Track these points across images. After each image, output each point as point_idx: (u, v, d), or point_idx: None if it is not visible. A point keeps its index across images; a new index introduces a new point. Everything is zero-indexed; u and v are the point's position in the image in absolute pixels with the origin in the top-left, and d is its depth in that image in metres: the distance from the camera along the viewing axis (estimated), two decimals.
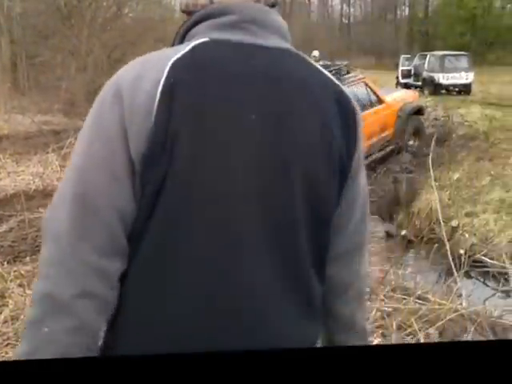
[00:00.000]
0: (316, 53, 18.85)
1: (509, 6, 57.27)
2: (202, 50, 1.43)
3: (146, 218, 1.36)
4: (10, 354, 4.35)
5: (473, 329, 4.68)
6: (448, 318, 4.75)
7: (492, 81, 31.98)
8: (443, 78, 29.21)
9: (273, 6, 1.60)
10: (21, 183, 11.16)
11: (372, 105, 13.00)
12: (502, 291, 6.24)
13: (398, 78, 32.47)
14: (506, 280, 6.18)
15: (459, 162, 12.79)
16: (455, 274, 5.95)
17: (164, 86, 1.34)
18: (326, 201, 1.54)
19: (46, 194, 9.64)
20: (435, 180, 9.61)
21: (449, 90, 29.14)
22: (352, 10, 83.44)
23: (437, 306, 5.04)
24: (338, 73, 12.09)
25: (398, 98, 14.68)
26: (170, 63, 1.37)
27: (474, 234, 8.65)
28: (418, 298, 5.33)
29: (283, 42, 1.56)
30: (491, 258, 7.33)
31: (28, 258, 6.76)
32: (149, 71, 1.38)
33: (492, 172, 11.80)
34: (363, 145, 1.65)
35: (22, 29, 27.17)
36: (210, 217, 1.37)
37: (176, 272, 1.37)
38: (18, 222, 8.13)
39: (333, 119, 1.52)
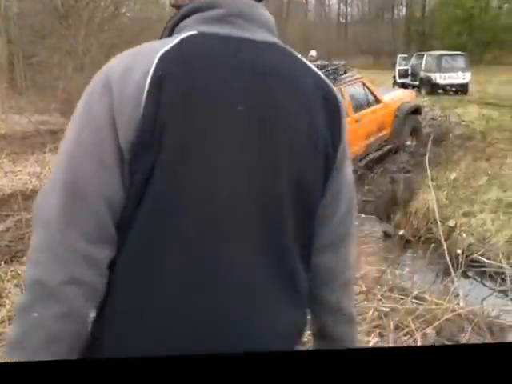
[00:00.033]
0: (313, 52, 18.81)
1: (506, 5, 57.33)
2: (189, 43, 1.46)
3: (135, 207, 1.38)
4: None
5: (470, 329, 4.68)
6: (445, 317, 4.75)
7: (489, 81, 32.00)
8: (440, 78, 29.25)
9: (260, 0, 1.62)
10: (18, 183, 11.18)
11: (369, 104, 13.02)
12: (500, 291, 6.24)
13: (395, 77, 32.48)
14: (503, 280, 6.18)
15: (456, 162, 12.80)
16: (452, 273, 5.95)
17: (152, 77, 1.36)
18: (312, 191, 1.57)
19: None
20: (432, 180, 9.61)
21: (446, 89, 29.12)
22: (349, 9, 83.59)
23: (434, 306, 5.04)
24: (335, 72, 12.09)
25: (396, 97, 14.70)
26: (158, 55, 1.40)
27: (472, 234, 8.66)
28: (416, 298, 5.33)
29: (270, 35, 1.59)
30: (488, 258, 7.34)
31: (25, 258, 6.74)
32: (138, 63, 1.40)
33: (489, 172, 11.81)
34: (347, 135, 1.68)
35: (19, 28, 27.17)
36: (198, 205, 1.40)
37: (163, 261, 1.39)
38: (15, 221, 8.13)
39: (318, 111, 1.56)
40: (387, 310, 5.05)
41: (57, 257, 1.33)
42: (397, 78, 32.22)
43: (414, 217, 10.08)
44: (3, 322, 4.82)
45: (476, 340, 4.56)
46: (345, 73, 12.50)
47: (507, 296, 5.84)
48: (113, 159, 1.37)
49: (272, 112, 1.48)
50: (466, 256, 6.59)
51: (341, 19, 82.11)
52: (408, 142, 14.25)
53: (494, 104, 22.94)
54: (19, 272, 6.05)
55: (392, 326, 4.59)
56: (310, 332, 1.89)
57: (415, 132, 14.55)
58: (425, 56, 31.22)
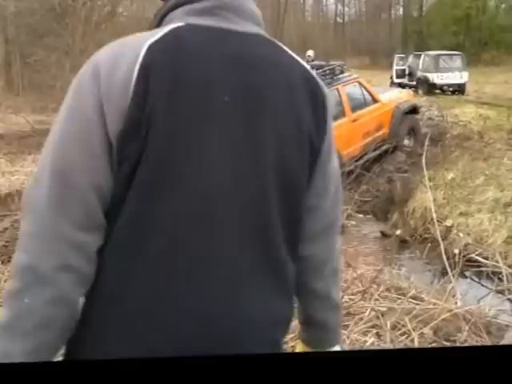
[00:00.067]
0: (310, 52, 18.84)
1: (503, 5, 57.37)
2: (177, 34, 1.48)
3: (123, 194, 1.39)
4: None
5: (467, 328, 4.68)
6: (442, 317, 4.75)
7: (486, 81, 32.06)
8: (437, 78, 29.24)
9: None
10: (15, 183, 11.15)
11: (367, 104, 13.03)
12: (497, 291, 6.25)
13: (392, 77, 32.48)
14: (501, 280, 6.19)
15: (453, 162, 12.81)
16: (450, 273, 5.96)
17: (140, 66, 1.38)
18: (297, 182, 1.60)
19: None
20: (430, 180, 9.65)
21: (443, 89, 29.16)
22: (346, 9, 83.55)
23: (431, 306, 5.05)
24: (332, 73, 12.11)
25: (393, 97, 14.70)
26: (146, 45, 1.42)
27: (469, 234, 8.66)
28: (413, 298, 5.34)
29: (257, 28, 1.61)
30: (486, 258, 7.34)
31: None
32: (126, 53, 1.42)
33: (486, 172, 11.82)
34: (333, 127, 1.75)
35: (15, 28, 27.11)
36: (183, 194, 1.42)
37: (149, 248, 1.41)
38: (11, 221, 8.11)
39: (304, 103, 1.59)
40: (384, 309, 5.05)
41: (47, 243, 1.35)
42: (394, 78, 32.20)
43: (412, 217, 10.10)
44: None
45: (473, 340, 4.57)
46: (342, 73, 12.51)
47: (504, 296, 5.85)
48: (101, 147, 1.39)
49: (258, 103, 1.51)
50: (463, 256, 6.60)
51: (338, 19, 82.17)
52: (406, 142, 14.26)
53: (491, 104, 22.95)
54: None
55: (389, 326, 4.59)
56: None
57: (413, 131, 14.57)
58: (422, 56, 31.20)
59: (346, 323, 4.81)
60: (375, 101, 13.33)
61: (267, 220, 1.53)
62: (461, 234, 8.63)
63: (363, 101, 13.00)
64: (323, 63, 14.44)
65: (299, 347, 1.99)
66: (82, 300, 1.41)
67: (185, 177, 1.42)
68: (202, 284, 1.44)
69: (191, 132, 1.41)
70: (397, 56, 33.96)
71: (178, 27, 1.49)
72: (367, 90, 13.23)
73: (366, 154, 12.60)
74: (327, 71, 12.10)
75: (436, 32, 57.24)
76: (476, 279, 7.48)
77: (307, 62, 16.60)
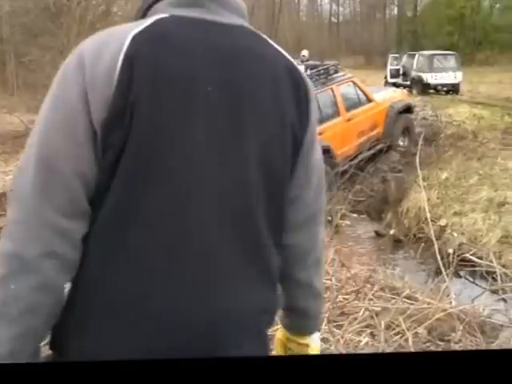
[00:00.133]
0: (305, 52, 18.85)
1: (497, 5, 57.42)
2: (161, 25, 1.50)
3: (107, 183, 1.41)
4: None
5: (461, 328, 4.69)
6: (436, 317, 4.76)
7: (480, 80, 32.09)
8: (431, 78, 29.27)
9: None
10: (9, 183, 11.13)
11: (361, 104, 13.04)
12: (491, 291, 6.25)
13: (386, 77, 32.48)
14: (494, 279, 6.20)
15: (447, 162, 12.82)
16: (444, 273, 5.97)
17: (125, 56, 1.40)
18: (280, 172, 1.62)
19: None
20: (424, 179, 9.66)
21: (437, 89, 29.18)
22: (341, 9, 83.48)
23: (425, 306, 5.05)
24: (326, 72, 12.12)
25: (387, 96, 14.71)
26: (130, 36, 1.43)
27: (463, 234, 8.67)
28: (407, 298, 5.34)
29: (242, 20, 1.63)
30: (480, 258, 7.35)
31: None
32: (111, 43, 1.44)
33: (480, 171, 11.84)
34: (317, 118, 1.76)
35: (10, 27, 27.05)
36: (168, 183, 1.43)
37: (131, 237, 1.43)
38: (6, 221, 8.10)
39: (287, 95, 1.61)
40: (378, 309, 5.06)
41: (31, 230, 1.37)
42: (388, 77, 32.21)
43: (406, 216, 10.10)
44: None
45: (467, 339, 4.57)
46: (336, 72, 12.52)
47: (498, 295, 5.86)
48: (85, 135, 1.40)
49: (242, 96, 1.52)
50: (458, 255, 6.61)
51: (333, 19, 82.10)
52: (400, 142, 14.28)
53: (485, 104, 23.00)
54: None
55: (383, 326, 4.60)
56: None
57: (407, 131, 14.59)
58: (416, 56, 31.22)
59: (340, 323, 4.83)
60: (369, 100, 13.34)
61: (250, 212, 1.55)
62: (455, 234, 8.64)
63: (357, 100, 13.02)
64: (318, 63, 14.47)
65: (280, 332, 2.02)
66: (67, 286, 1.43)
67: (168, 167, 1.43)
68: (185, 274, 1.46)
69: (175, 123, 1.43)
70: (391, 56, 33.96)
71: (162, 18, 1.51)
72: (361, 90, 13.25)
73: (360, 153, 12.61)
74: (321, 71, 12.11)
75: (430, 32, 57.26)
76: (470, 279, 7.49)
77: (302, 61, 16.63)
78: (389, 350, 4.31)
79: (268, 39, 1.67)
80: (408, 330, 4.59)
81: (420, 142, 10.31)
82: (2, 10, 25.61)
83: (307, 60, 17.50)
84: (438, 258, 6.37)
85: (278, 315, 1.87)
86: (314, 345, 1.97)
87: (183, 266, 1.45)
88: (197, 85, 1.46)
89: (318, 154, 1.77)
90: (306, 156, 1.69)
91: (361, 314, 4.97)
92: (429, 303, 5.14)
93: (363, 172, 11.97)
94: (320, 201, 1.82)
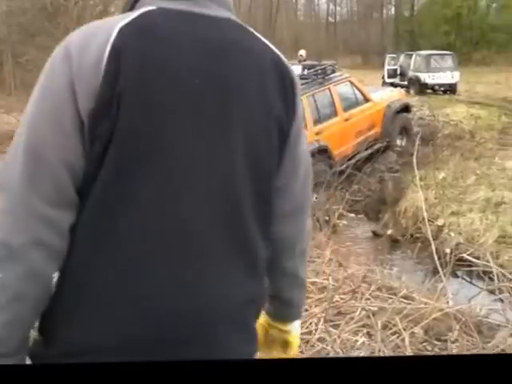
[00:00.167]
0: (302, 52, 18.84)
1: (494, 5, 57.44)
2: (148, 17, 1.50)
3: (95, 173, 1.42)
4: None
5: (458, 328, 4.69)
6: (433, 316, 4.76)
7: (477, 80, 32.11)
8: (429, 78, 29.23)
9: None
10: None
11: (359, 103, 13.04)
12: (488, 290, 6.26)
13: (383, 77, 32.48)
14: (491, 279, 6.20)
15: (445, 162, 12.83)
16: (441, 272, 5.97)
17: (112, 48, 1.41)
18: (267, 164, 1.64)
19: None
20: (421, 179, 9.65)
21: (434, 89, 29.17)
22: (338, 8, 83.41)
23: (422, 306, 5.06)
24: (323, 72, 12.12)
25: (385, 96, 14.71)
26: (117, 28, 1.45)
27: (460, 234, 8.67)
28: (404, 298, 5.35)
29: (229, 13, 1.64)
30: (477, 257, 7.35)
31: None
32: (98, 35, 1.45)
33: (477, 171, 11.86)
34: (302, 110, 1.78)
35: (7, 27, 27.04)
36: (153, 174, 1.45)
37: (119, 226, 1.44)
38: None
39: (273, 87, 1.63)
40: (375, 309, 5.06)
41: (18, 219, 1.38)
42: (386, 77, 32.19)
43: (403, 216, 10.10)
44: None
45: (464, 339, 4.58)
46: (333, 72, 12.52)
47: (495, 295, 5.86)
48: (72, 125, 1.41)
49: (229, 87, 1.54)
50: (455, 255, 6.61)
51: (330, 18, 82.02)
52: (398, 141, 14.28)
53: (482, 104, 22.99)
54: None
55: (380, 326, 4.60)
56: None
57: (405, 130, 14.59)
58: (413, 56, 31.17)
59: (337, 323, 4.83)
60: (367, 100, 13.34)
61: (238, 202, 1.56)
62: (452, 234, 8.65)
63: (355, 100, 13.02)
64: (315, 63, 14.46)
65: (262, 318, 2.03)
66: (55, 274, 1.44)
67: (155, 158, 1.44)
68: (173, 263, 1.47)
69: (162, 114, 1.45)
70: (388, 56, 33.93)
71: (150, 11, 1.52)
72: (359, 89, 13.25)
73: (358, 152, 12.61)
74: (319, 71, 12.11)
75: (427, 32, 57.22)
76: (467, 279, 7.50)
77: (299, 61, 16.61)
78: (385, 349, 4.31)
79: (254, 32, 1.69)
80: (405, 329, 4.60)
81: (417, 142, 10.32)
82: None
83: (305, 60, 17.48)
84: (435, 257, 6.37)
85: None
86: (294, 332, 2.03)
87: (171, 255, 1.47)
88: (184, 77, 1.48)
89: (304, 145, 1.80)
90: (293, 148, 1.71)
91: (357, 313, 4.97)
92: (426, 303, 5.14)
93: (361, 172, 11.98)
94: (307, 192, 1.85)
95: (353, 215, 10.90)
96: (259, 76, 1.60)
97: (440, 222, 9.12)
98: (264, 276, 1.72)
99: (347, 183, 11.21)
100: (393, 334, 4.63)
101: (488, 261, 6.36)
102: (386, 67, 32.69)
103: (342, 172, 11.07)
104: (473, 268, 7.20)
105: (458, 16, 53.82)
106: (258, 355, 1.79)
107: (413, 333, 4.64)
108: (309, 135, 10.62)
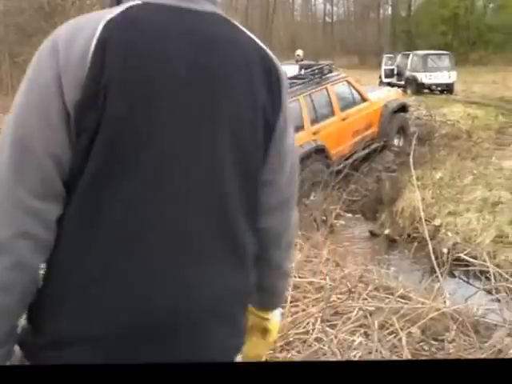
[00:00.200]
0: (300, 52, 18.86)
1: (491, 5, 57.49)
2: (134, 11, 1.52)
3: (81, 166, 1.43)
4: None
5: (455, 327, 4.70)
6: (430, 316, 4.76)
7: (474, 80, 32.15)
8: (426, 78, 29.25)
9: None
10: None
11: (356, 103, 13.04)
12: (485, 290, 6.26)
13: (380, 77, 32.49)
14: (488, 279, 6.21)
15: (442, 161, 12.83)
16: (438, 272, 5.97)
17: (98, 40, 1.43)
18: (253, 158, 1.66)
19: None
20: (418, 179, 9.67)
21: (431, 89, 29.18)
22: (335, 8, 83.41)
23: (419, 305, 5.06)
24: (320, 72, 12.11)
25: (382, 95, 14.71)
26: (103, 21, 1.46)
27: (457, 233, 8.68)
28: (401, 297, 5.35)
29: (213, 7, 1.65)
30: (474, 257, 7.35)
31: None
32: (84, 28, 1.47)
33: (474, 171, 11.86)
34: (288, 103, 1.78)
35: (4, 27, 27.03)
36: (141, 166, 1.46)
37: (105, 219, 1.46)
38: None
39: (259, 80, 1.65)
40: (372, 309, 5.06)
41: (5, 212, 1.40)
42: (383, 77, 32.21)
43: (400, 216, 10.10)
44: None
45: (461, 339, 4.58)
46: (330, 72, 12.52)
47: (492, 295, 5.86)
48: (58, 118, 1.43)
49: (214, 79, 1.55)
50: (452, 255, 6.62)
51: (327, 18, 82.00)
52: (396, 141, 14.28)
53: (479, 103, 23.01)
54: None
55: (377, 325, 4.60)
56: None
57: (402, 130, 14.59)
58: (410, 55, 31.19)
59: (334, 323, 4.83)
60: (364, 100, 13.34)
61: (224, 195, 1.58)
62: (449, 234, 8.65)
63: (352, 100, 13.00)
64: (312, 63, 14.48)
65: None
66: (42, 266, 1.46)
67: (142, 149, 1.46)
68: (158, 256, 1.48)
69: (148, 105, 1.46)
70: (385, 56, 33.95)
71: (136, 5, 1.53)
72: (356, 89, 13.24)
73: (355, 152, 12.61)
74: (316, 71, 12.11)
75: (424, 32, 57.27)
76: (464, 278, 7.50)
77: (296, 61, 16.64)
78: (382, 349, 4.31)
79: (239, 25, 1.70)
80: (402, 329, 4.60)
81: (414, 142, 10.33)
82: None
83: (302, 60, 17.50)
84: (433, 257, 6.38)
85: None
86: (274, 320, 2.09)
87: (157, 248, 1.48)
88: (170, 68, 1.49)
89: (291, 140, 1.80)
90: (279, 141, 1.73)
91: (355, 313, 4.97)
92: (423, 303, 5.14)
93: (358, 172, 11.98)
94: (293, 186, 1.86)
95: (350, 215, 10.89)
96: (245, 68, 1.62)
97: (437, 221, 9.13)
98: (252, 270, 1.74)
99: (344, 183, 11.20)
100: (390, 333, 4.63)
101: (485, 260, 6.36)
102: (383, 67, 32.71)
103: (339, 172, 11.06)
104: (470, 268, 7.21)
105: (455, 16, 53.88)
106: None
107: (410, 333, 4.64)
108: (306, 135, 10.64)
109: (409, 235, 9.21)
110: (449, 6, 53.24)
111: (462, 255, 7.28)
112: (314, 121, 11.32)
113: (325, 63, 12.93)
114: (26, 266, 1.41)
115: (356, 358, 4.21)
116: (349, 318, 4.89)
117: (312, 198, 10.28)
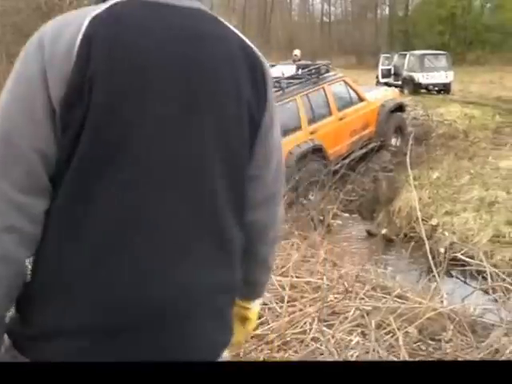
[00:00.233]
0: (297, 52, 18.86)
1: (488, 5, 57.53)
2: (119, 7, 1.53)
3: (67, 160, 1.44)
4: None
5: (452, 327, 4.69)
6: (427, 316, 4.76)
7: (471, 80, 32.18)
8: (423, 78, 29.25)
9: None
10: None
11: (353, 103, 13.05)
12: (482, 290, 6.26)
13: (377, 77, 32.49)
14: (485, 278, 6.21)
15: (439, 161, 12.86)
16: (435, 271, 5.97)
17: (83, 36, 1.44)
18: (238, 154, 1.67)
19: None
20: (415, 179, 9.67)
21: (428, 89, 29.20)
22: (333, 8, 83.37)
23: (416, 305, 5.06)
24: (317, 72, 12.12)
25: (379, 95, 14.72)
26: (89, 17, 1.48)
27: (454, 233, 8.68)
28: (398, 297, 5.34)
29: (198, 3, 1.67)
30: (471, 257, 7.36)
31: None
32: (70, 24, 1.49)
33: (471, 171, 11.87)
34: (274, 100, 1.80)
35: (1, 27, 27.00)
36: (127, 159, 1.47)
37: (91, 212, 1.46)
38: None
39: (244, 77, 1.66)
40: (369, 308, 5.06)
41: None
42: (380, 77, 32.22)
43: (397, 216, 10.11)
44: None
45: (458, 339, 4.58)
46: (327, 72, 12.52)
47: (489, 295, 5.87)
48: (43, 112, 1.44)
49: (198, 76, 1.57)
50: (449, 255, 6.62)
51: (324, 18, 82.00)
52: (393, 140, 14.29)
53: (476, 103, 23.04)
54: None
55: (374, 325, 4.60)
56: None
57: (399, 130, 14.61)
58: (407, 55, 31.17)
59: (331, 322, 4.83)
60: (361, 99, 13.35)
61: (211, 191, 1.59)
62: (446, 233, 8.66)
63: (349, 99, 13.02)
64: (309, 62, 14.49)
65: None
66: (28, 259, 1.47)
67: (127, 142, 1.46)
68: (144, 250, 1.49)
69: (133, 97, 1.47)
70: (382, 56, 33.94)
71: (120, 2, 1.54)
72: (353, 89, 13.26)
73: (352, 152, 12.62)
74: (313, 70, 12.11)
75: (421, 31, 57.32)
76: (461, 278, 7.50)
77: (294, 61, 16.64)
78: (379, 349, 4.31)
79: (224, 21, 1.71)
80: (399, 329, 4.59)
81: (410, 142, 10.33)
82: None
83: (299, 60, 17.50)
84: (429, 257, 6.37)
85: None
86: (254, 308, 2.13)
87: (144, 243, 1.49)
88: (153, 65, 1.50)
89: (277, 136, 1.82)
90: (265, 137, 1.75)
91: (352, 313, 4.97)
92: (420, 302, 5.14)
93: (355, 171, 11.98)
94: (279, 182, 1.89)
95: (347, 215, 10.90)
96: (230, 64, 1.63)
97: (434, 221, 9.14)
98: (239, 265, 1.75)
99: (341, 183, 11.20)
100: (387, 333, 4.63)
101: (482, 260, 6.35)
102: (380, 67, 32.73)
103: (336, 171, 11.08)
104: (467, 267, 7.20)
105: (452, 16, 53.90)
106: None
107: (407, 332, 4.63)
108: (303, 134, 10.66)
109: (406, 235, 9.22)
110: (446, 5, 53.26)
111: (458, 255, 7.27)
112: (312, 120, 11.34)
113: (322, 63, 12.94)
114: (11, 259, 1.42)
115: (353, 358, 4.22)
116: (346, 318, 4.89)
117: (310, 196, 10.29)
